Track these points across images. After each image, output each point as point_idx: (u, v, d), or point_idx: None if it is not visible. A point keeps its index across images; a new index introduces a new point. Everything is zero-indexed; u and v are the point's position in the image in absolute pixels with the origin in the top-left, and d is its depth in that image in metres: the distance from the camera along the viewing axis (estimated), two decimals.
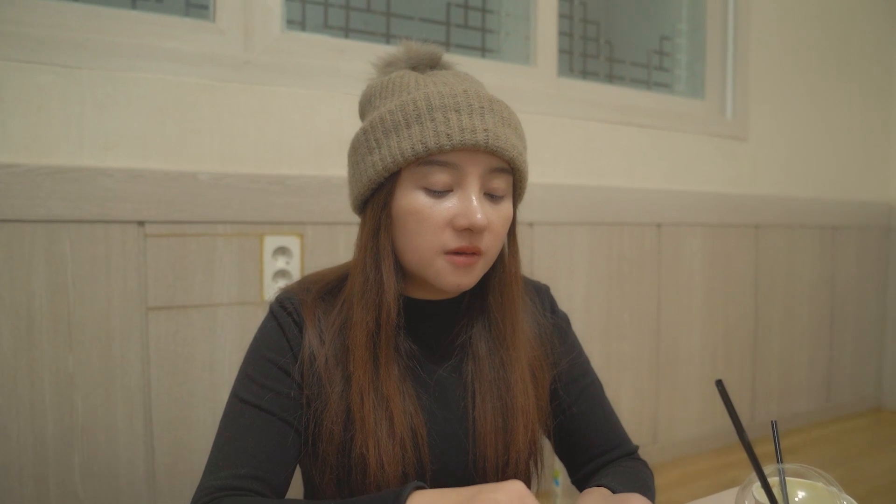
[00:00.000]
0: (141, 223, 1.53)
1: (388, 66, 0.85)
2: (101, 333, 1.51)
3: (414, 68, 0.84)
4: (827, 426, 2.99)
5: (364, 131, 0.78)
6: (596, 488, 0.79)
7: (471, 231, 0.73)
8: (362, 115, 0.85)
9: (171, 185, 1.55)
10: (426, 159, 0.73)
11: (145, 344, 1.55)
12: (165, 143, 1.57)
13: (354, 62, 1.79)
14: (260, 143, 1.67)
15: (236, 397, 0.79)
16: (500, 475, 0.82)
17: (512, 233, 0.84)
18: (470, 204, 0.73)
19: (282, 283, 1.68)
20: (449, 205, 0.74)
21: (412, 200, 0.74)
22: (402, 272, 0.80)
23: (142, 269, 1.54)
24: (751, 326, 2.77)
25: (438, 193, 0.74)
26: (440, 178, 0.73)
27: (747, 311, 2.75)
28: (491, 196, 0.76)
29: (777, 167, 2.81)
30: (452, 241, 0.74)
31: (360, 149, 0.79)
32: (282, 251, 1.67)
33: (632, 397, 2.42)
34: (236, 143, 1.64)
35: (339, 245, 1.74)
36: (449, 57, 0.90)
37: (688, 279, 2.54)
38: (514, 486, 0.60)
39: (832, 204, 2.99)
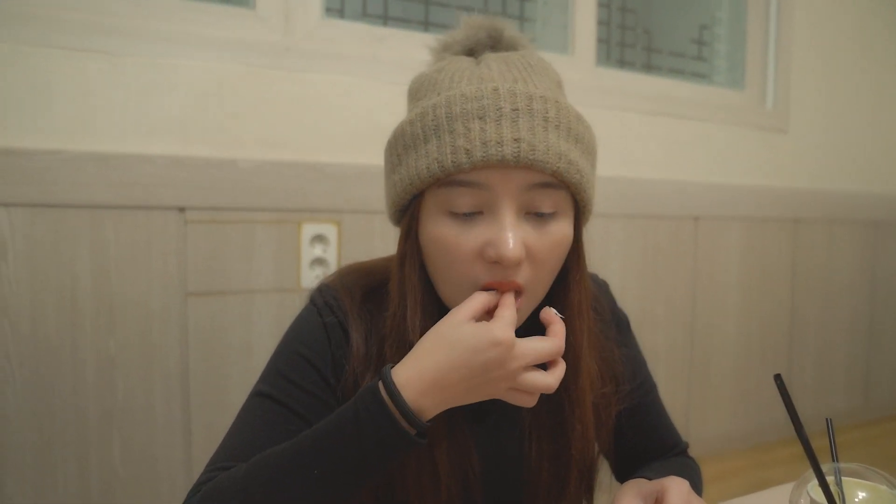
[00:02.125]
0: (182, 209, 1.55)
1: (444, 50, 0.73)
2: (142, 317, 1.54)
3: (470, 52, 0.72)
4: (865, 427, 2.92)
5: (389, 143, 0.68)
6: (640, 479, 0.73)
7: (503, 264, 0.60)
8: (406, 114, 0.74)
9: (212, 172, 1.56)
10: (446, 180, 0.61)
11: (184, 328, 1.57)
12: (206, 130, 1.58)
13: (393, 50, 1.79)
14: (299, 130, 1.67)
15: (257, 392, 0.70)
16: None
17: (577, 255, 0.70)
18: (500, 232, 0.60)
19: (318, 272, 1.69)
20: (478, 232, 0.61)
21: (437, 227, 0.62)
22: (440, 299, 0.69)
23: (182, 255, 1.55)
24: (787, 323, 2.71)
25: (466, 218, 0.61)
26: (464, 200, 0.61)
27: (784, 307, 2.70)
28: (537, 215, 0.63)
29: (818, 159, 2.74)
30: (485, 275, 0.62)
31: (387, 163, 0.69)
32: (319, 239, 1.68)
33: (664, 391, 2.37)
34: (276, 129, 1.65)
35: (376, 233, 1.74)
36: (515, 31, 0.75)
37: (724, 273, 2.50)
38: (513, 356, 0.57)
39: (875, 198, 2.91)
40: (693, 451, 0.90)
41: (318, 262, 1.67)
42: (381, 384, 0.57)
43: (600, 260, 2.16)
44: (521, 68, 0.67)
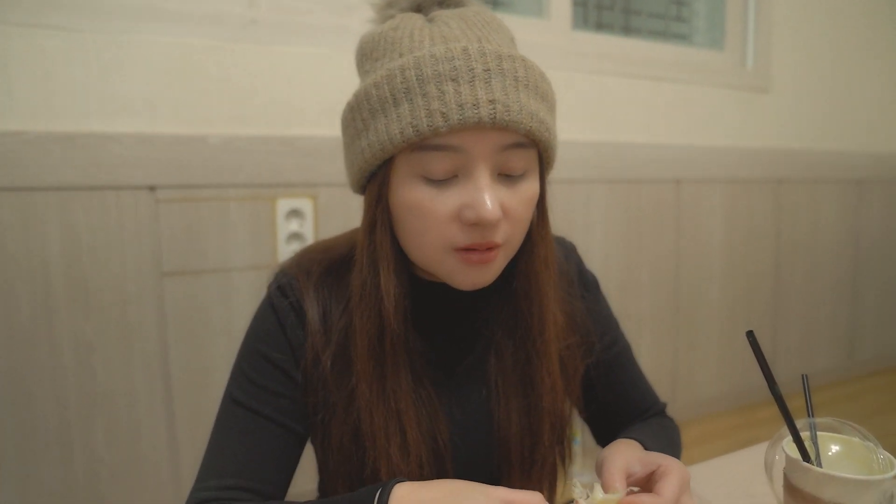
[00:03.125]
0: (152, 188, 1.51)
1: (388, 6, 0.71)
2: (118, 300, 1.51)
3: (418, 8, 0.70)
4: (849, 384, 2.96)
5: (350, 108, 0.65)
6: (627, 440, 0.73)
7: (482, 224, 0.61)
8: (358, 76, 0.71)
9: (181, 150, 1.53)
10: (420, 144, 0.60)
11: (161, 309, 1.55)
12: (173, 107, 1.54)
13: (363, 19, 1.74)
14: (269, 104, 1.64)
15: (230, 397, 0.71)
16: (526, 477, 0.75)
17: (542, 211, 0.70)
18: (478, 194, 0.59)
19: (295, 247, 1.67)
20: (453, 195, 0.61)
21: (410, 192, 0.61)
22: (409, 261, 0.69)
23: (155, 235, 1.53)
24: (771, 283, 2.73)
25: (440, 182, 0.61)
26: (440, 165, 0.60)
27: (768, 268, 2.71)
28: (507, 176, 0.63)
29: (800, 119, 2.73)
30: (462, 238, 0.62)
31: (348, 129, 0.67)
32: (295, 213, 1.65)
33: (650, 356, 2.40)
34: (245, 104, 1.61)
35: (353, 207, 1.71)
36: None
37: (707, 236, 2.50)
38: (497, 493, 0.55)
39: (858, 156, 2.91)
40: (679, 414, 0.90)
41: (295, 236, 1.65)
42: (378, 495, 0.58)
43: (583, 226, 2.15)
44: (480, 26, 0.66)
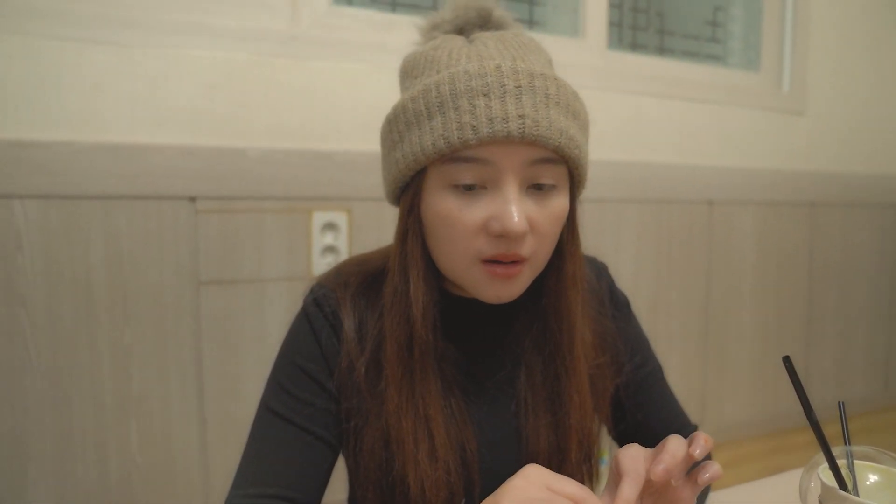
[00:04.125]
0: (192, 199, 1.55)
1: (433, 29, 0.74)
2: (155, 307, 1.55)
3: (460, 31, 0.73)
4: (885, 413, 2.89)
5: (388, 121, 0.69)
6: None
7: (508, 237, 0.62)
8: (400, 93, 0.75)
9: (221, 162, 1.57)
10: (451, 156, 0.62)
11: (197, 317, 1.59)
12: (215, 120, 1.58)
13: (401, 36, 1.77)
14: (307, 119, 1.67)
15: (266, 407, 0.73)
16: None
17: (571, 227, 0.72)
18: (505, 206, 0.61)
19: (330, 260, 1.70)
20: (481, 206, 0.63)
21: (440, 202, 0.64)
22: (440, 274, 0.71)
23: (193, 245, 1.56)
24: (804, 308, 2.68)
25: (469, 193, 0.63)
26: (469, 174, 0.62)
27: (801, 293, 2.66)
28: (537, 189, 0.65)
29: (836, 142, 2.69)
30: (488, 249, 0.64)
31: (386, 141, 0.70)
32: (330, 227, 1.68)
33: (679, 378, 2.38)
34: (284, 118, 1.65)
35: (387, 221, 1.73)
36: (503, 11, 0.76)
37: (739, 258, 2.47)
38: (542, 478, 0.55)
39: (894, 180, 2.85)
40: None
41: (330, 249, 1.68)
42: None
43: (614, 245, 2.15)
44: (517, 47, 0.69)
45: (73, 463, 1.52)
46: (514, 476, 0.55)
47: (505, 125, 0.60)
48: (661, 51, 2.37)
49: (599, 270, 0.87)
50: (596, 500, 0.52)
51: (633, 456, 0.59)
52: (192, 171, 1.54)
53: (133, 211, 1.51)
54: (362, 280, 0.76)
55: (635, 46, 2.31)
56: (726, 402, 2.51)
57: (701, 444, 0.58)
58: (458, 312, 0.74)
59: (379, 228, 1.73)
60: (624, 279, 2.24)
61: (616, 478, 0.60)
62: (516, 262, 0.65)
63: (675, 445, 0.58)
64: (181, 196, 1.54)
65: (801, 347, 2.69)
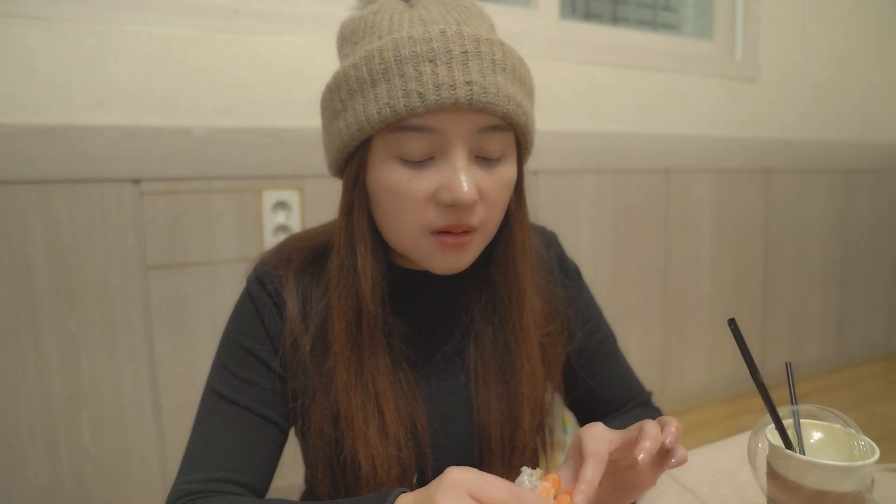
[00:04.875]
0: (136, 181, 1.50)
1: None
2: (102, 294, 1.50)
3: None
4: (838, 373, 2.98)
5: (329, 89, 0.66)
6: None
7: (458, 206, 0.61)
8: (339, 60, 0.71)
9: (166, 142, 1.51)
10: (397, 125, 0.60)
11: (147, 303, 1.54)
12: (157, 98, 1.52)
13: (349, 9, 1.72)
14: (254, 96, 1.62)
15: (211, 389, 0.71)
16: (506, 464, 0.74)
17: (519, 195, 0.71)
18: (454, 175, 0.60)
19: (282, 238, 1.66)
20: (430, 176, 0.61)
21: (387, 173, 0.62)
22: (387, 246, 0.69)
23: (139, 228, 1.51)
24: (760, 273, 2.73)
25: (417, 163, 0.61)
26: (417, 145, 0.60)
27: (757, 258, 2.71)
28: (485, 159, 0.63)
29: (789, 109, 2.73)
30: (438, 219, 0.62)
31: (327, 110, 0.67)
32: (281, 206, 1.64)
33: (640, 346, 2.41)
34: (230, 95, 1.59)
35: (339, 198, 1.70)
36: None
37: (696, 226, 2.50)
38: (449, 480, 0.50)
39: (846, 146, 2.91)
40: (669, 404, 0.90)
41: (282, 229, 1.64)
42: None
43: (571, 217, 2.15)
44: (460, 10, 0.66)
45: (22, 460, 1.47)
46: (434, 482, 0.50)
47: (452, 92, 0.58)
48: (615, 20, 2.36)
49: (549, 239, 0.85)
50: (529, 495, 0.49)
51: (597, 437, 0.58)
52: (134, 152, 1.48)
53: (74, 195, 1.45)
54: (305, 256, 0.74)
55: (588, 16, 2.30)
56: (686, 369, 2.55)
57: (672, 432, 0.57)
58: (404, 285, 0.72)
59: (332, 206, 1.67)
60: (582, 250, 2.25)
61: (577, 456, 0.59)
62: (467, 231, 0.63)
63: (655, 431, 0.56)
64: (124, 178, 1.49)
65: (758, 312, 2.75)
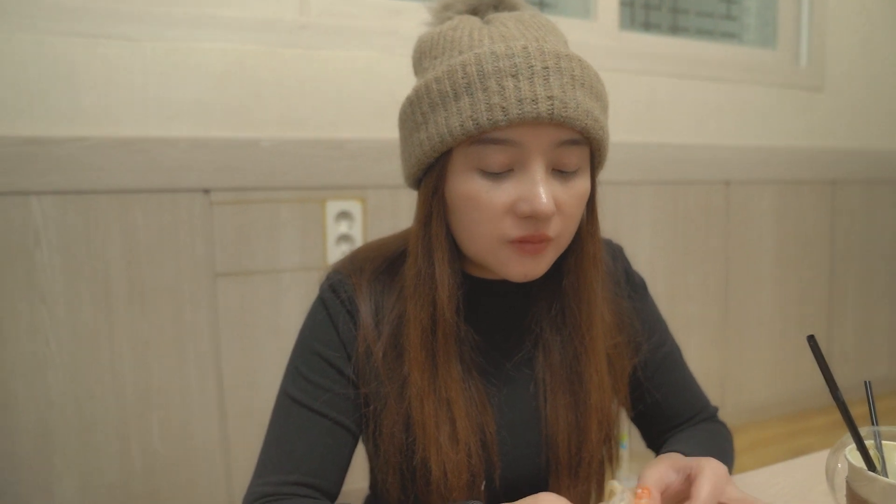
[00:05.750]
0: (206, 191, 1.56)
1: (445, 9, 0.73)
2: (173, 299, 1.56)
3: (474, 11, 0.72)
4: None
5: (410, 102, 0.67)
6: (667, 453, 0.72)
7: (536, 218, 0.62)
8: (416, 74, 0.74)
9: (234, 153, 1.57)
10: (479, 137, 0.61)
11: (214, 309, 1.60)
12: (227, 111, 1.58)
13: (411, 22, 1.76)
14: (319, 108, 1.67)
15: (286, 394, 0.73)
16: (573, 475, 0.75)
17: (591, 208, 0.71)
18: (533, 187, 0.61)
19: (345, 249, 1.70)
20: (509, 188, 0.62)
21: (466, 184, 0.63)
22: (462, 255, 0.71)
23: (209, 236, 1.57)
24: (826, 288, 2.65)
25: (496, 175, 0.63)
26: (497, 158, 0.62)
27: (822, 273, 2.63)
28: (561, 172, 0.64)
29: (856, 118, 2.64)
30: (515, 230, 0.63)
31: (407, 122, 0.69)
32: (344, 216, 1.68)
33: (698, 361, 2.36)
34: (296, 108, 1.64)
35: (402, 208, 1.73)
36: None
37: (758, 239, 2.44)
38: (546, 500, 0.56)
39: None
40: (729, 420, 0.88)
41: (344, 238, 1.68)
42: None
43: (630, 228, 2.13)
44: (536, 28, 0.68)
45: (97, 455, 1.54)
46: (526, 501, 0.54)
47: (534, 106, 0.59)
48: (675, 29, 2.34)
49: (615, 252, 0.86)
50: None
51: (720, 476, 0.61)
52: (205, 163, 1.54)
53: (148, 204, 1.51)
54: (378, 265, 0.76)
55: (648, 26, 2.28)
56: (746, 385, 2.49)
57: None
58: (477, 294, 0.74)
59: (393, 216, 1.73)
60: (641, 262, 2.23)
61: (666, 471, 0.62)
62: (542, 241, 0.65)
63: (706, 484, 0.59)
64: (195, 188, 1.55)
65: (823, 328, 2.66)
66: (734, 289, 2.41)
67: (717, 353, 2.40)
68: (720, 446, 0.81)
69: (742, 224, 2.39)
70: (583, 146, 0.65)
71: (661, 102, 2.18)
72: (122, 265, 1.50)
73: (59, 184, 1.43)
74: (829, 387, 0.58)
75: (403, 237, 0.77)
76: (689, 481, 0.62)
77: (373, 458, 0.78)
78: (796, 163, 2.47)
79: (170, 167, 1.52)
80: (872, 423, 0.61)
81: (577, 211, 0.66)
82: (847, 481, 0.58)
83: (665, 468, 0.63)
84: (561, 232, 0.66)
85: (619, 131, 2.08)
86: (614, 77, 2.07)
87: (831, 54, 2.53)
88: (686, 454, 0.71)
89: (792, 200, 2.50)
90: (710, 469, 0.61)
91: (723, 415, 0.89)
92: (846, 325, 2.72)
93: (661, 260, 2.23)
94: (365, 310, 0.72)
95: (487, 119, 0.60)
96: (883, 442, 0.60)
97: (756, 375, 2.51)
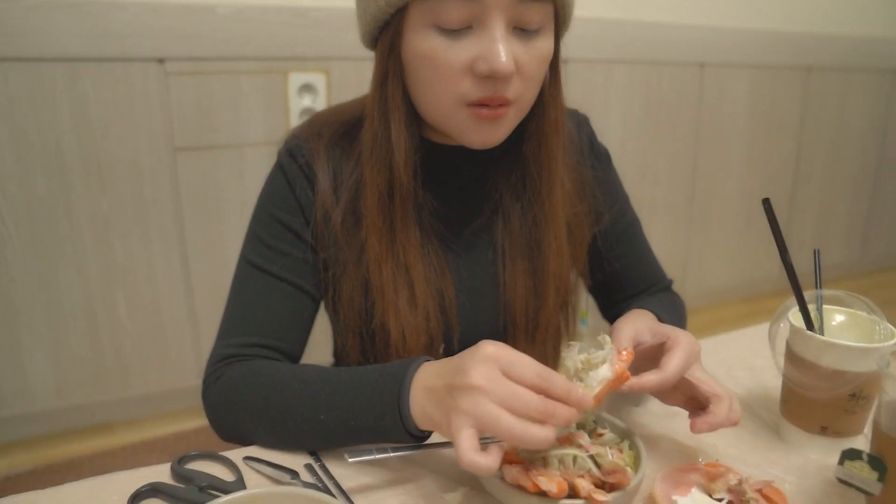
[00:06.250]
0: (161, 61, 1.48)
1: None
2: (131, 175, 1.52)
3: None
4: (861, 278, 2.97)
5: None
6: (641, 310, 0.72)
7: (495, 78, 0.59)
8: None
9: (190, 20, 1.48)
10: None
11: (175, 185, 1.56)
12: None
13: None
14: None
15: (245, 259, 0.72)
16: (530, 338, 0.76)
17: (554, 71, 0.69)
18: (492, 45, 0.58)
19: None
20: (467, 45, 0.59)
21: (423, 42, 0.60)
22: (420, 119, 0.68)
23: (166, 109, 1.51)
24: (791, 175, 2.68)
25: (454, 32, 0.59)
26: (455, 13, 0.58)
27: (789, 160, 2.65)
28: (522, 30, 0.61)
29: (833, 2, 2.56)
30: (474, 91, 0.60)
31: None
32: (307, 88, 1.62)
33: (662, 243, 2.40)
34: None
35: (367, 81, 1.66)
36: None
37: (730, 124, 2.43)
38: (483, 352, 0.51)
39: (895, 43, 2.76)
40: (689, 302, 0.91)
41: (308, 112, 1.63)
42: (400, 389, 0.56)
43: (601, 108, 2.10)
44: None
45: (66, 331, 1.55)
46: (467, 352, 0.51)
47: None
48: None
49: (581, 121, 0.84)
50: (557, 378, 0.50)
51: (694, 350, 0.60)
52: (159, 30, 1.46)
53: (99, 74, 1.44)
54: (336, 129, 0.73)
55: None
56: (708, 267, 2.57)
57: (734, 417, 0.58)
58: (436, 160, 0.72)
59: (359, 90, 1.65)
60: (611, 142, 2.20)
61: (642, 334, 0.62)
62: (502, 104, 0.62)
63: (724, 415, 0.57)
64: (149, 57, 1.47)
65: (785, 214, 2.72)
66: (702, 173, 2.42)
67: (681, 236, 2.45)
68: (679, 313, 0.84)
69: (714, 108, 2.37)
70: (546, 3, 0.61)
71: None
72: (74, 138, 1.45)
73: None
74: (780, 249, 0.59)
75: (362, 102, 0.74)
76: (661, 349, 0.62)
77: (334, 322, 0.79)
78: (772, 46, 2.42)
79: (121, 34, 1.43)
80: (817, 288, 0.63)
81: (538, 72, 0.63)
82: (787, 341, 0.61)
83: (641, 328, 0.63)
84: (521, 94, 0.63)
85: (593, 6, 2.00)
86: None
87: None
88: (658, 316, 0.72)
89: (766, 85, 2.47)
90: (686, 343, 0.60)
91: (683, 295, 0.91)
92: (806, 211, 2.78)
93: (632, 141, 2.22)
94: (323, 175, 0.71)
95: None
96: (825, 305, 0.62)
97: (716, 259, 2.58)
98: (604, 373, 0.54)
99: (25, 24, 1.35)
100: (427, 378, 0.54)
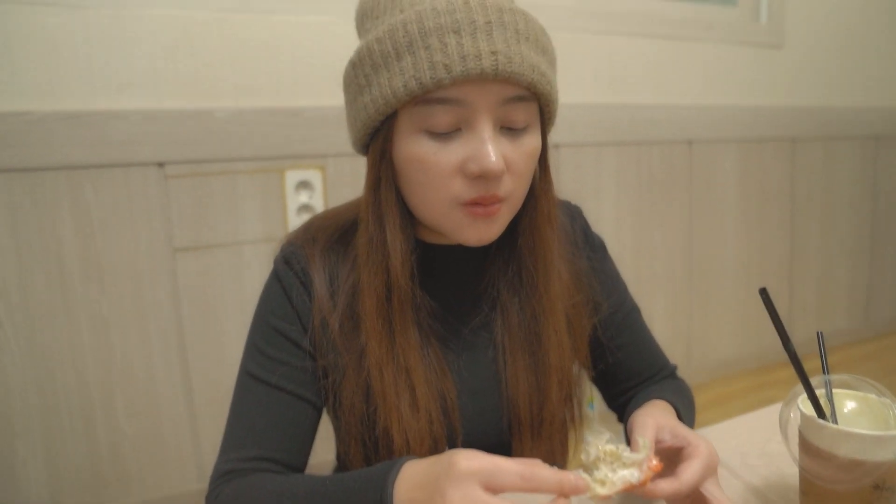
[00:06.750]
0: (161, 164, 1.51)
1: None
2: (132, 276, 1.52)
3: None
4: (866, 344, 2.94)
5: (353, 65, 0.65)
6: (661, 402, 0.73)
7: (486, 177, 0.61)
8: (359, 36, 0.71)
9: (188, 124, 1.52)
10: (423, 98, 0.60)
11: (175, 284, 1.56)
12: (178, 81, 1.53)
13: None
14: (274, 75, 1.62)
15: (244, 371, 0.72)
16: (535, 435, 0.75)
17: (543, 166, 0.70)
18: (481, 146, 0.60)
19: (306, 219, 1.67)
20: (456, 148, 0.61)
21: (413, 147, 0.62)
22: (414, 220, 0.70)
23: (165, 211, 1.53)
24: (787, 244, 2.70)
25: (443, 135, 0.61)
26: (443, 118, 0.60)
27: (783, 229, 2.67)
28: (509, 129, 0.63)
29: (815, 75, 2.66)
30: (466, 192, 0.62)
31: (351, 86, 0.67)
32: (304, 185, 1.65)
33: (664, 319, 2.40)
34: (250, 76, 1.60)
35: (362, 177, 1.69)
36: None
37: (721, 197, 2.47)
38: (459, 468, 0.50)
39: (874, 112, 2.84)
40: (695, 376, 0.90)
41: (305, 208, 1.65)
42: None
43: (594, 190, 2.13)
44: None
45: (62, 437, 1.52)
46: (443, 470, 0.51)
47: (478, 62, 0.58)
48: None
49: (573, 213, 0.85)
50: (544, 473, 0.49)
51: (713, 459, 0.60)
52: (158, 136, 1.50)
53: (100, 180, 1.47)
54: (331, 234, 0.74)
55: None
56: (712, 341, 2.54)
57: None
58: (431, 260, 0.73)
59: (354, 184, 1.70)
60: (605, 223, 2.24)
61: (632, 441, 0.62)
62: (495, 201, 0.63)
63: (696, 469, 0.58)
64: (149, 162, 1.50)
65: (784, 283, 2.71)
66: (698, 246, 2.44)
67: (683, 310, 2.44)
68: (690, 403, 0.82)
69: (705, 183, 2.41)
70: (530, 102, 0.63)
71: (621, 62, 2.17)
72: (75, 243, 1.46)
73: (2, 161, 1.37)
74: (781, 338, 0.58)
75: (356, 205, 0.76)
76: (678, 453, 0.61)
77: (336, 429, 0.78)
78: (757, 121, 2.49)
79: (121, 141, 1.47)
80: (824, 373, 0.62)
81: (527, 169, 0.65)
82: (799, 430, 0.59)
83: (663, 426, 0.63)
84: (513, 191, 0.64)
85: (581, 93, 2.07)
86: (574, 37, 2.05)
87: (791, 12, 2.54)
88: (677, 409, 0.73)
89: (754, 158, 2.52)
90: (706, 455, 0.60)
91: (689, 370, 0.90)
92: (806, 278, 2.78)
93: (626, 220, 2.24)
94: (319, 281, 0.71)
95: (431, 78, 0.58)
96: (833, 390, 0.61)
97: (721, 331, 2.56)
98: (630, 476, 0.53)
99: (29, 136, 1.39)
100: (410, 490, 0.54)
